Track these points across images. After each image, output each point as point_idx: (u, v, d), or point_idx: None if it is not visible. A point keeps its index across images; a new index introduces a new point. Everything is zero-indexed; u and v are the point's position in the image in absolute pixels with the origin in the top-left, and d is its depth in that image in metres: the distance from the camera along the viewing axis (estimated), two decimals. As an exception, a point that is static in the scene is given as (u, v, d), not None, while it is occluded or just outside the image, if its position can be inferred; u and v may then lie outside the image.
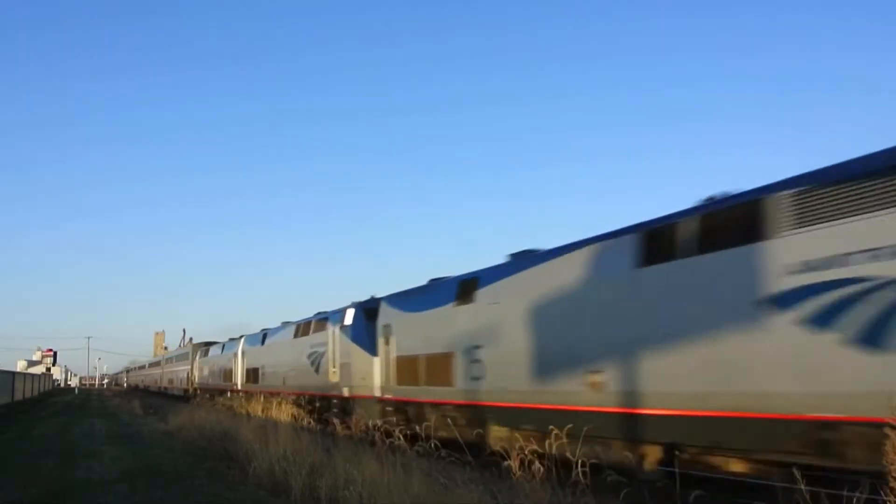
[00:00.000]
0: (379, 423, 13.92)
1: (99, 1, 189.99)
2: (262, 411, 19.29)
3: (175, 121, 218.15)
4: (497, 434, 11.55)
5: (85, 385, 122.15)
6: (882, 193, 6.41)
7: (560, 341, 10.52)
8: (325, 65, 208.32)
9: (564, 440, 7.90)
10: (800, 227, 7.07)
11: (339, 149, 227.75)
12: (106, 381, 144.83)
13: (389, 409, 15.91)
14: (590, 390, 9.64)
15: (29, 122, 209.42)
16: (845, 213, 6.69)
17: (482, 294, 12.71)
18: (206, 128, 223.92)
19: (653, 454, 8.77)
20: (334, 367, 19.62)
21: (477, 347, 12.43)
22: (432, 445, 9.39)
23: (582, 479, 6.70)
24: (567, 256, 10.85)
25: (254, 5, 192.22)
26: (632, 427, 8.83)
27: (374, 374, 16.92)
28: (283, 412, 17.36)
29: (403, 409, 15.40)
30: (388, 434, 10.46)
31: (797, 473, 5.78)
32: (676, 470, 7.90)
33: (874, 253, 6.32)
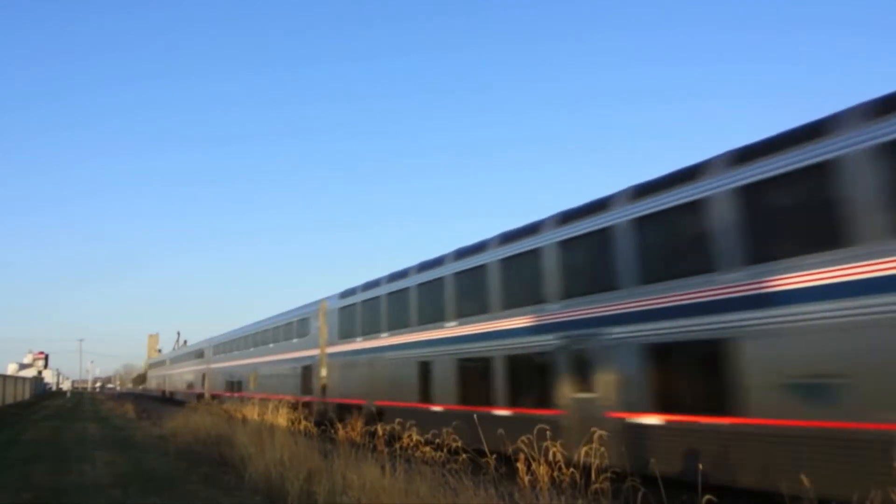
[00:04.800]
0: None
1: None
2: (258, 415, 19.07)
3: (171, 130, 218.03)
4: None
5: (77, 389, 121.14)
6: None
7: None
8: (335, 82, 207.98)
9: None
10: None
11: (328, 161, 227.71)
12: (99, 384, 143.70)
13: None
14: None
15: (31, 128, 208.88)
16: None
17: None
18: (203, 137, 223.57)
19: None
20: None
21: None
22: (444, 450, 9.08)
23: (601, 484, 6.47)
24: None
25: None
26: None
27: None
28: (280, 416, 17.14)
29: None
30: (393, 439, 10.27)
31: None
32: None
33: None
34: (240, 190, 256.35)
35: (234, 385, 33.61)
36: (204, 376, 41.72)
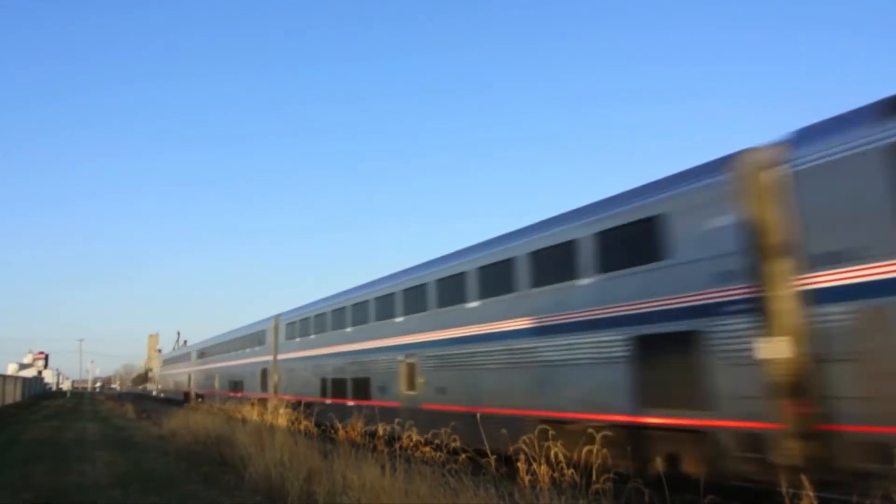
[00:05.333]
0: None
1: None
2: (258, 415, 19.06)
3: (171, 130, 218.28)
4: None
5: (77, 389, 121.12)
6: None
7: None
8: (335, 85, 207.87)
9: None
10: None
11: (328, 161, 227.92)
12: (99, 384, 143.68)
13: None
14: None
15: (32, 128, 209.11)
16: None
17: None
18: (203, 137, 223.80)
19: None
20: None
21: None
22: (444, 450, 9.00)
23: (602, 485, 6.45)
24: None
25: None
26: None
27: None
28: (280, 416, 17.14)
29: None
30: (392, 439, 10.26)
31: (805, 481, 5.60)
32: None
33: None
34: (240, 190, 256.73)
35: (348, 386, 20.61)
36: (265, 372, 30.45)
